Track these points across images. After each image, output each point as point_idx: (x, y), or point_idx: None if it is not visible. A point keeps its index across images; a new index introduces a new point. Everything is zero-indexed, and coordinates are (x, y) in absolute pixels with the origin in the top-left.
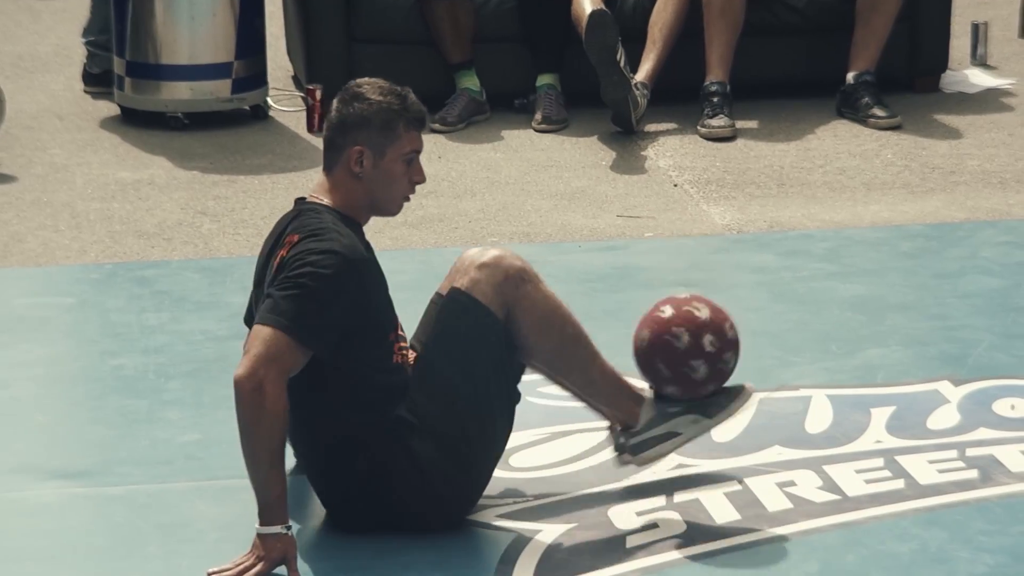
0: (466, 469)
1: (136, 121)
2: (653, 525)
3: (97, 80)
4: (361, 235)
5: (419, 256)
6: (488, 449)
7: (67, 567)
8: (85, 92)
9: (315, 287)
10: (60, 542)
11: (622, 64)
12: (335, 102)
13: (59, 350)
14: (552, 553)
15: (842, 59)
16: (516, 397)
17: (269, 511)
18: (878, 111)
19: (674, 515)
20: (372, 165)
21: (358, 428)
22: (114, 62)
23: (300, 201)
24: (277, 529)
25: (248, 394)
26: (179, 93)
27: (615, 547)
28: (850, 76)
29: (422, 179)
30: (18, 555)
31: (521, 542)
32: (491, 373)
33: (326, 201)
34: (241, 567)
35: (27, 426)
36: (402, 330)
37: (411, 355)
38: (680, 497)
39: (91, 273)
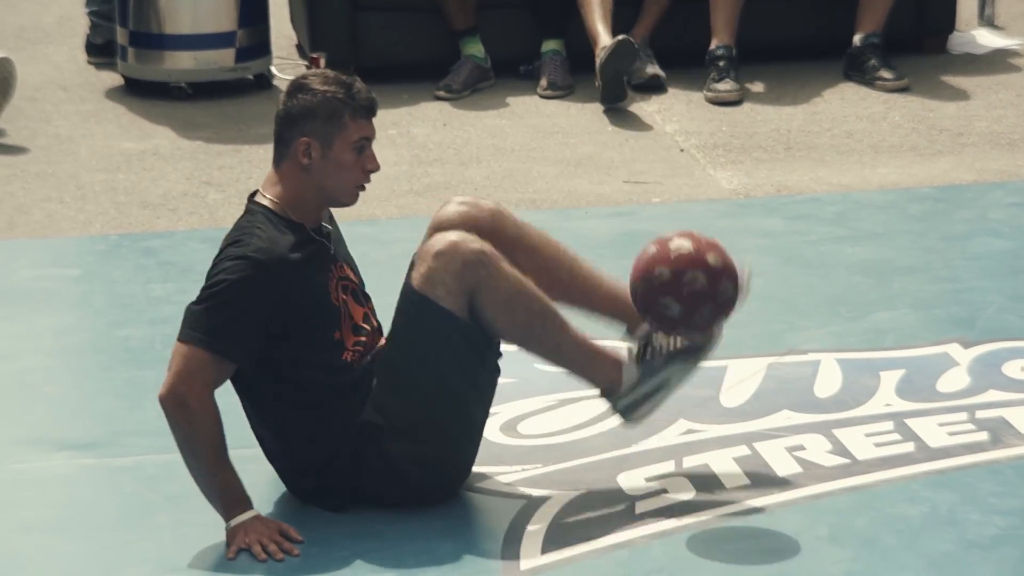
0: (444, 459)
1: (140, 91)
2: (662, 491)
3: (100, 51)
4: (302, 233)
5: (424, 224)
6: (466, 436)
7: (76, 538)
8: (88, 63)
9: (226, 297)
10: (69, 513)
11: (626, 82)
12: (282, 96)
13: (66, 322)
14: (561, 519)
15: (849, 21)
16: (492, 377)
17: (236, 505)
18: (885, 73)
19: (683, 480)
20: (320, 156)
21: (325, 432)
22: (117, 32)
23: (250, 198)
24: (252, 513)
25: (174, 412)
26: (182, 63)
27: (624, 513)
28: (857, 38)
29: (375, 167)
30: (28, 526)
31: (530, 509)
32: (455, 367)
33: (269, 196)
34: (260, 547)
35: (35, 398)
36: (368, 321)
37: (380, 343)
38: (689, 462)
39: (97, 244)
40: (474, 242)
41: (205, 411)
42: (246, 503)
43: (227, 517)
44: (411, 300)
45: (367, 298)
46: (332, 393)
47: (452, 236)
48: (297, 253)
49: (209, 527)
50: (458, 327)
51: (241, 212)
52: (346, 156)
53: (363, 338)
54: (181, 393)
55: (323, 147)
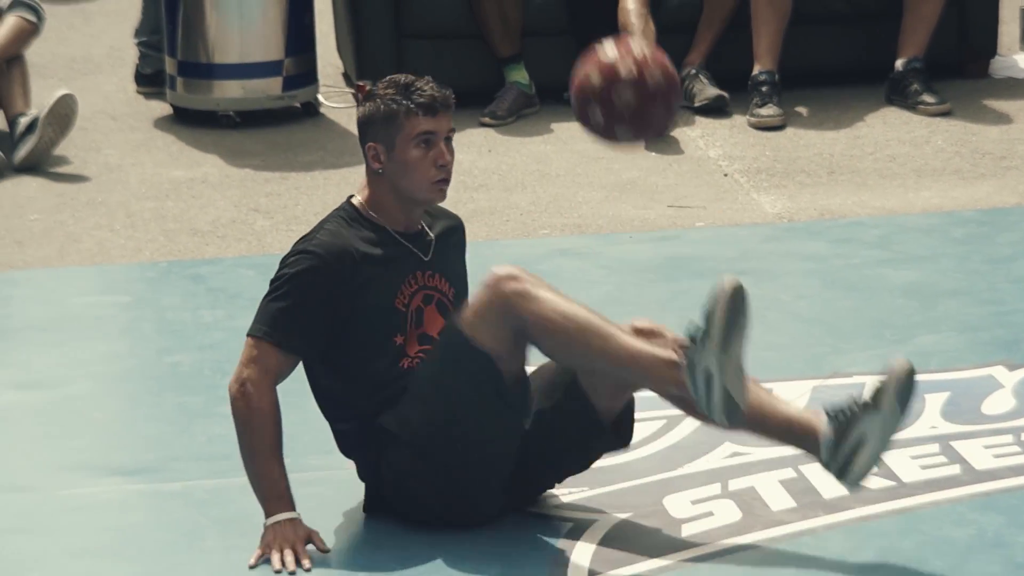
0: (455, 482)
1: (188, 120)
2: (708, 513)
3: (149, 80)
4: (383, 234)
5: (471, 249)
6: (478, 470)
7: (126, 562)
8: (138, 93)
9: (285, 289)
10: (119, 538)
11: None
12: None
13: (116, 348)
14: (608, 542)
15: (891, 46)
16: (515, 417)
17: (276, 502)
18: (927, 97)
19: (729, 503)
20: (388, 159)
21: (356, 429)
22: (166, 62)
23: (348, 199)
24: (288, 515)
25: (234, 398)
26: (231, 92)
27: (671, 536)
28: (899, 63)
29: (444, 160)
30: (78, 551)
31: (577, 532)
32: (479, 407)
33: (357, 199)
34: (280, 555)
35: (85, 424)
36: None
37: None
38: (735, 485)
39: (146, 271)
40: (512, 280)
41: (261, 401)
42: (286, 503)
43: (266, 513)
44: (451, 340)
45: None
46: (382, 398)
47: (499, 271)
48: (368, 250)
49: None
50: (489, 371)
51: (289, 239)
52: (411, 153)
53: (429, 347)
54: (243, 381)
55: (387, 149)
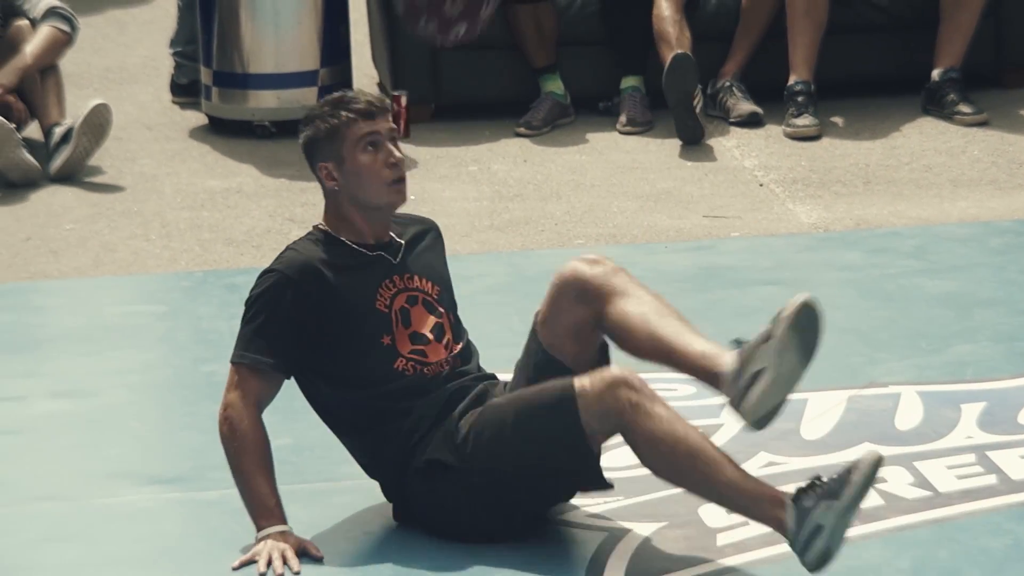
0: (498, 516)
1: (224, 130)
2: (744, 523)
3: (185, 91)
4: (345, 248)
5: (505, 259)
6: (535, 506)
7: (162, 571)
8: (173, 103)
9: (254, 310)
10: (155, 547)
11: (698, 110)
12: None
13: (152, 357)
14: (643, 552)
15: (927, 56)
16: (571, 487)
17: (268, 515)
18: (964, 108)
19: None
20: (340, 173)
21: (373, 447)
22: (201, 72)
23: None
24: (278, 528)
25: (221, 423)
26: (266, 102)
27: (706, 545)
28: (935, 73)
29: (395, 157)
30: (114, 560)
31: (612, 541)
32: (548, 471)
33: (323, 221)
34: (267, 560)
35: (121, 433)
36: (438, 331)
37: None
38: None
39: (182, 281)
40: (629, 388)
41: (242, 424)
42: (276, 517)
43: (256, 528)
44: (564, 389)
45: (448, 310)
46: (381, 404)
47: (621, 374)
48: (334, 261)
49: None
50: (579, 445)
51: None
52: (360, 159)
53: (423, 347)
54: (225, 407)
55: (338, 164)
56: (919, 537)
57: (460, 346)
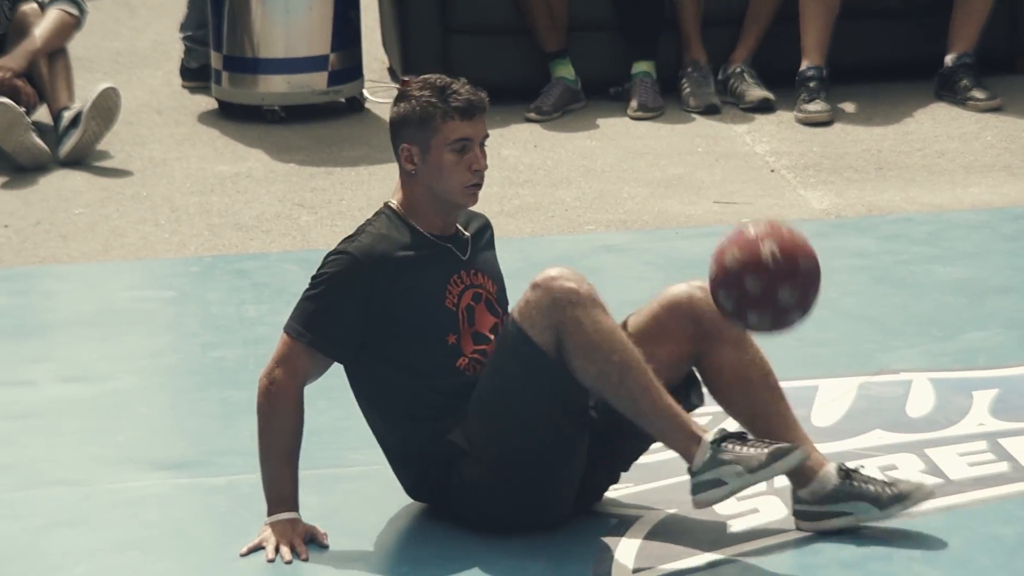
0: (518, 497)
1: (233, 115)
2: (754, 510)
3: (195, 75)
4: (420, 237)
5: (516, 244)
6: (545, 481)
7: (171, 557)
8: (183, 87)
9: (322, 290)
10: (164, 532)
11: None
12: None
13: (160, 343)
14: (653, 538)
15: (940, 41)
16: (578, 428)
17: (281, 503)
18: (977, 93)
19: (775, 500)
20: (422, 161)
21: (419, 438)
22: (211, 57)
23: (385, 203)
24: (288, 515)
25: (262, 393)
26: (276, 86)
27: (716, 531)
28: (949, 58)
29: (480, 166)
30: (123, 545)
31: (622, 528)
32: (537, 406)
33: (394, 201)
34: (275, 546)
35: (130, 418)
36: (494, 331)
37: None
38: (780, 481)
39: (191, 266)
40: (570, 280)
41: (286, 405)
42: (288, 504)
43: (268, 512)
44: (507, 328)
45: (504, 310)
46: (436, 399)
47: (552, 271)
48: (409, 253)
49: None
50: (545, 366)
51: (333, 234)
52: (445, 158)
53: (485, 347)
54: (272, 377)
55: (422, 152)
56: (930, 524)
57: None
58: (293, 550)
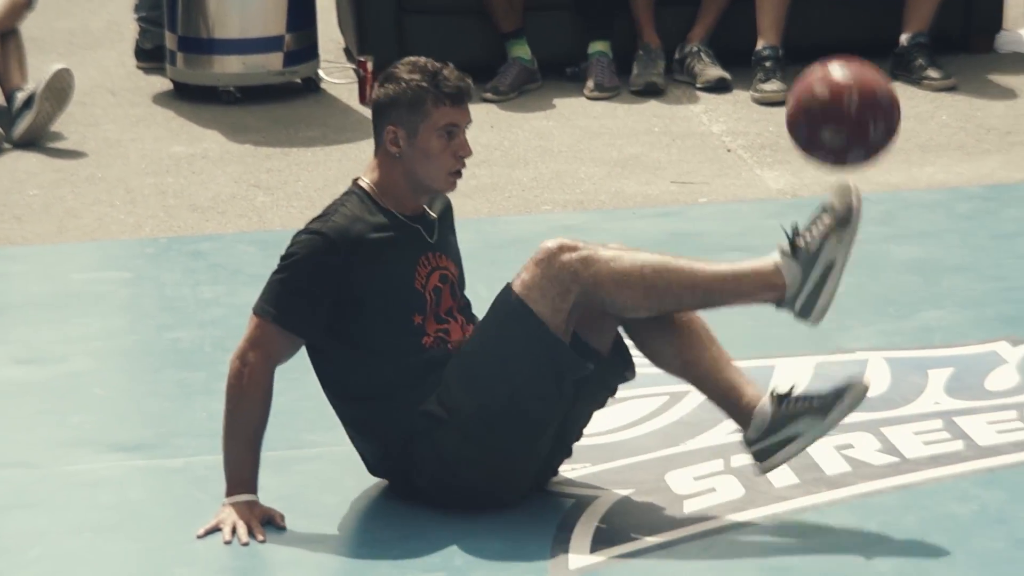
0: (494, 467)
1: (189, 96)
2: (711, 489)
3: (149, 55)
4: (392, 218)
5: (473, 225)
6: (522, 453)
7: (127, 538)
8: (138, 68)
9: (295, 271)
10: (121, 514)
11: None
12: (376, 85)
13: (116, 324)
14: (610, 519)
15: (895, 21)
16: (565, 403)
17: (241, 485)
18: (932, 72)
19: (731, 479)
20: (407, 144)
21: (386, 415)
22: (166, 37)
23: (354, 181)
24: (248, 497)
25: (234, 375)
26: (231, 67)
27: (673, 512)
28: (903, 38)
29: (467, 152)
30: (78, 527)
31: (579, 508)
32: (531, 379)
33: (367, 181)
34: (232, 528)
35: (85, 400)
36: (452, 315)
37: (464, 334)
38: (737, 461)
39: (146, 247)
40: (569, 250)
41: (257, 387)
42: (248, 486)
43: (227, 493)
44: (507, 300)
45: (463, 292)
46: (401, 375)
47: (551, 244)
48: (380, 234)
49: None
50: (546, 339)
51: (289, 215)
52: (433, 143)
53: (447, 326)
54: (244, 359)
55: (409, 135)
56: (886, 503)
57: (472, 326)
58: (251, 532)
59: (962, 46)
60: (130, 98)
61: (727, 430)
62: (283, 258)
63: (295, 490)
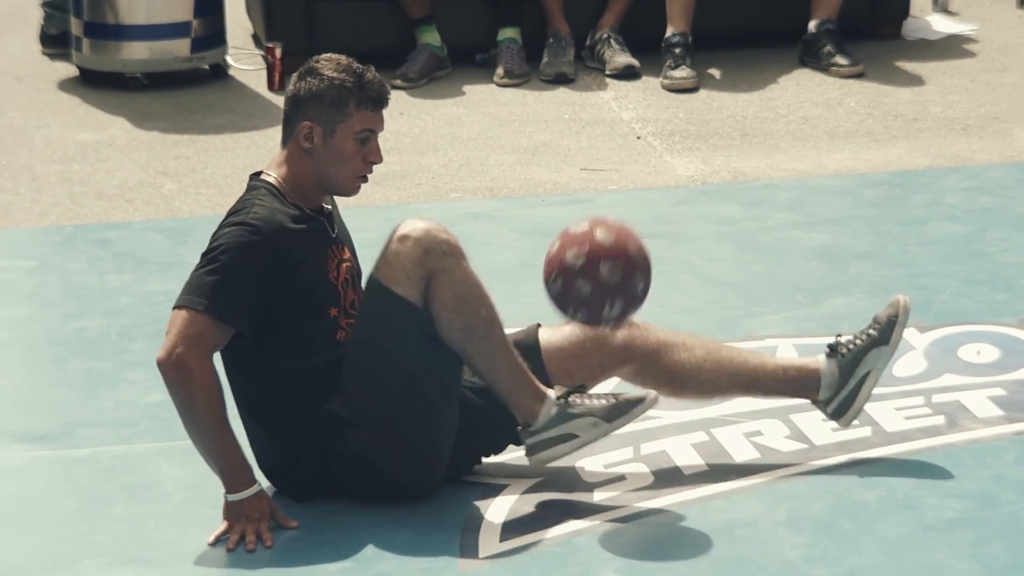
0: (410, 453)
1: (95, 82)
2: (621, 477)
3: (55, 41)
4: (301, 212)
5: (382, 213)
6: (432, 430)
7: (33, 530)
8: (43, 54)
9: (223, 261)
10: (25, 505)
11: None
12: (294, 77)
13: (21, 313)
14: (520, 507)
15: (804, 8)
16: (456, 370)
17: (234, 477)
18: (840, 59)
19: (642, 467)
20: (322, 142)
21: (297, 414)
22: (72, 23)
23: (252, 177)
24: (253, 490)
25: (174, 375)
26: (138, 53)
27: (583, 500)
28: (812, 25)
29: (378, 159)
30: None
31: (490, 495)
32: (412, 356)
33: (273, 175)
34: (241, 538)
35: None
36: (356, 307)
37: None
38: (647, 449)
39: (52, 236)
40: (443, 233)
41: (205, 375)
42: (246, 473)
43: (227, 488)
44: (369, 287)
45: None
46: (315, 372)
47: (419, 223)
48: (297, 226)
49: (166, 518)
50: (412, 315)
51: (197, 202)
52: (347, 145)
53: (352, 320)
54: (180, 356)
55: (325, 133)
56: (794, 490)
57: None
58: (260, 537)
59: (870, 33)
60: (35, 84)
61: (636, 419)
62: (208, 252)
63: (201, 480)
